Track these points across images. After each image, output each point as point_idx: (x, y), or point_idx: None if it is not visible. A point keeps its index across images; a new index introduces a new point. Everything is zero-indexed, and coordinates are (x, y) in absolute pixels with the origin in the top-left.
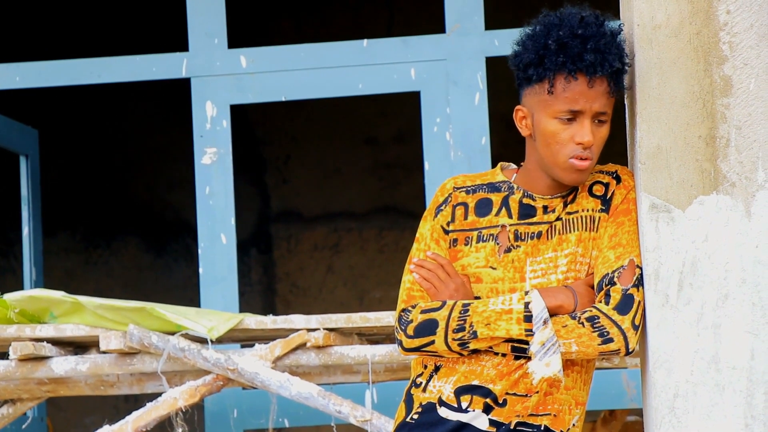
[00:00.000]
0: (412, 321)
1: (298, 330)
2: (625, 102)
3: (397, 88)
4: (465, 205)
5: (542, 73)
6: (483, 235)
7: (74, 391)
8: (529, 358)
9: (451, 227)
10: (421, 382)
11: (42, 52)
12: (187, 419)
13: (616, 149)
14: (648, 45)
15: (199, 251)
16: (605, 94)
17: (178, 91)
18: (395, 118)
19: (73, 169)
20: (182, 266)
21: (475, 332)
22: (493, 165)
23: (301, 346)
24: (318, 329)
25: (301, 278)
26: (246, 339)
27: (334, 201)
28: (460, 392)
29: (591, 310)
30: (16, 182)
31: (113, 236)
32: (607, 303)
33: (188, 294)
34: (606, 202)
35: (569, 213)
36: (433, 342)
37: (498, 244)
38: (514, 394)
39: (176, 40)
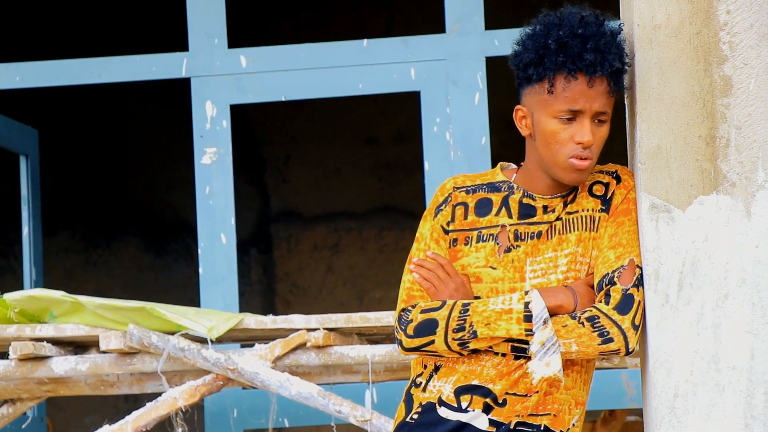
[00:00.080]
0: (411, 321)
1: (298, 330)
2: (625, 102)
3: (397, 88)
4: (465, 204)
5: (542, 72)
6: (483, 235)
7: (74, 390)
8: (529, 358)
9: (451, 227)
10: (420, 382)
11: (42, 52)
12: (187, 419)
13: (616, 149)
14: (648, 45)
15: (199, 251)
16: (605, 93)
17: (178, 91)
18: (395, 118)
19: (73, 169)
20: (182, 266)
21: (475, 332)
22: (493, 165)
23: (301, 346)
24: (318, 329)
25: (301, 278)
26: (246, 339)
27: (334, 201)
28: (459, 392)
29: (591, 310)
30: (16, 182)
31: (113, 236)
32: (607, 303)
33: (188, 294)
34: (606, 202)
35: (569, 213)
36: (433, 342)
37: (498, 243)
38: (514, 394)
39: (176, 40)
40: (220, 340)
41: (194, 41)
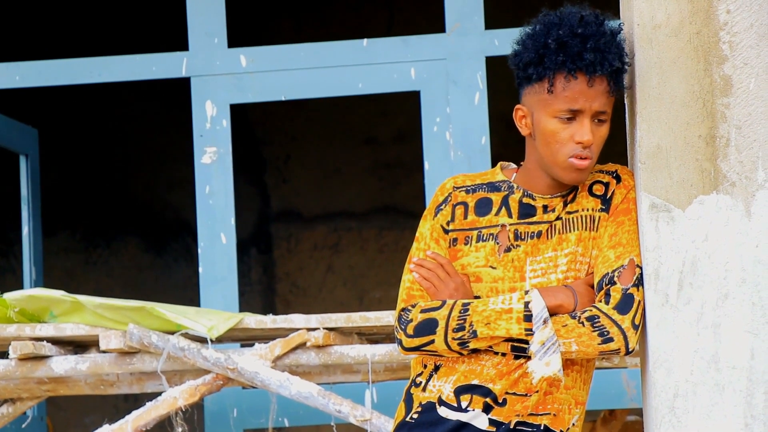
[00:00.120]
0: (411, 320)
1: (297, 329)
2: (625, 101)
3: (397, 87)
4: (465, 204)
5: (542, 72)
6: (483, 235)
7: (74, 390)
8: (528, 358)
9: (450, 227)
10: (420, 382)
11: (42, 51)
12: (187, 419)
13: (616, 149)
14: (648, 44)
15: (199, 251)
16: (605, 93)
17: (178, 91)
18: (395, 118)
19: (73, 168)
20: (182, 266)
21: (474, 332)
22: (493, 165)
23: (301, 346)
24: (318, 329)
25: (301, 278)
26: (246, 338)
27: (334, 201)
28: (459, 392)
29: (591, 310)
30: (16, 182)
31: (113, 236)
32: (607, 302)
33: (188, 293)
34: (606, 201)
35: (569, 212)
36: (432, 341)
37: (498, 243)
38: (514, 394)
39: (176, 40)
40: (220, 340)
41: (194, 41)
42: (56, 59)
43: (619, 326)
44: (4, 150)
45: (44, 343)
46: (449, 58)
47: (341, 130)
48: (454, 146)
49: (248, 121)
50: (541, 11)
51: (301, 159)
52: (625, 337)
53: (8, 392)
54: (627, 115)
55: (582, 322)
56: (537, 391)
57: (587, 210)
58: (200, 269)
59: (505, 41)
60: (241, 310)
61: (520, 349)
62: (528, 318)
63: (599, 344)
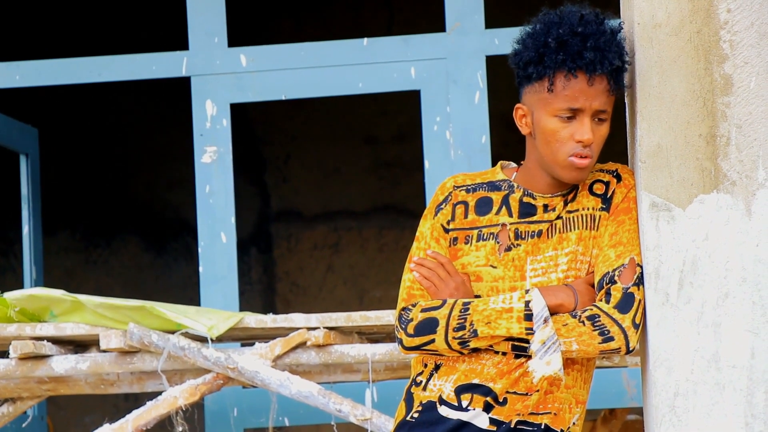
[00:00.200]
0: (412, 320)
1: (298, 329)
2: (626, 101)
3: (397, 86)
4: (465, 203)
5: (542, 71)
6: (483, 234)
7: (74, 389)
8: (529, 357)
9: (451, 226)
10: (421, 381)
11: (42, 50)
12: (188, 418)
13: (616, 148)
14: (648, 43)
15: (199, 250)
16: (605, 92)
17: (178, 90)
18: (395, 117)
19: (73, 167)
20: (182, 265)
21: (475, 331)
22: (493, 164)
23: (302, 345)
24: (318, 328)
25: (301, 277)
26: (246, 338)
27: (334, 200)
28: (460, 391)
29: (591, 309)
30: (16, 181)
31: (113, 235)
32: (607, 301)
33: (188, 293)
34: (606, 200)
35: (569, 211)
36: (433, 341)
37: (498, 242)
38: (515, 393)
39: (176, 39)
40: (220, 339)
41: (194, 40)
42: (56, 59)
43: (619, 325)
44: (4, 149)
45: (44, 342)
46: (449, 57)
47: (341, 129)
48: (454, 145)
49: (248, 121)
50: (541, 10)
51: (302, 158)
52: (626, 336)
53: (8, 392)
54: (627, 114)
55: (582, 321)
56: (537, 391)
57: (588, 209)
58: (200, 268)
59: (506, 40)
60: (242, 309)
61: (520, 348)
62: (528, 317)
63: (600, 343)
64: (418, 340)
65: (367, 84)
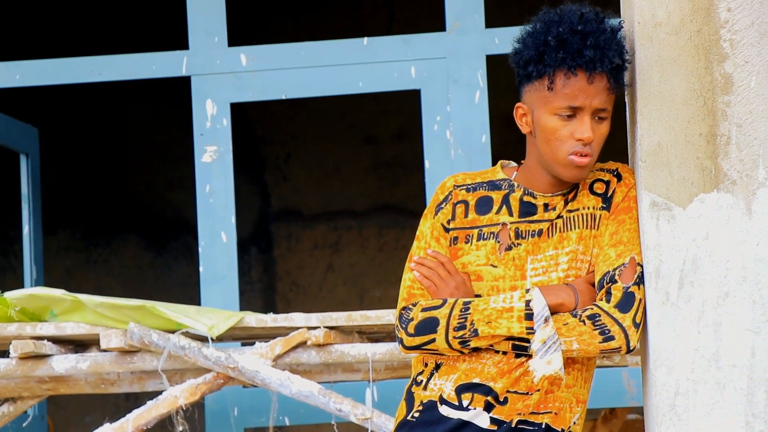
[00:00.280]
0: (412, 319)
1: (298, 328)
2: (626, 100)
3: (398, 86)
4: (465, 203)
5: (542, 69)
6: (484, 233)
7: (75, 389)
8: (530, 356)
9: (451, 225)
10: (421, 380)
11: (42, 50)
12: (188, 417)
13: (616, 147)
14: (648, 42)
15: (200, 249)
16: (605, 90)
17: (179, 90)
18: (395, 117)
19: (74, 167)
20: (182, 265)
21: (476, 330)
22: (494, 163)
23: (302, 345)
24: (318, 327)
25: (302, 277)
26: (246, 337)
27: (334, 199)
28: (461, 390)
29: (592, 308)
30: (17, 181)
31: (113, 235)
32: (608, 301)
33: (188, 292)
34: (607, 200)
35: (570, 211)
36: (433, 340)
37: (499, 242)
38: (515, 392)
39: (176, 39)
40: (220, 339)
41: (194, 39)
42: (56, 58)
43: (620, 324)
44: (4, 149)
45: (45, 342)
46: (449, 56)
47: (341, 128)
48: (454, 145)
49: (248, 120)
50: (541, 9)
51: (302, 158)
52: (626, 336)
53: (9, 391)
54: (627, 114)
55: (583, 321)
56: (538, 390)
57: (588, 208)
58: (200, 268)
59: (506, 40)
60: (242, 308)
61: (521, 348)
62: (529, 316)
63: (600, 343)
64: (418, 340)
65: (367, 83)
